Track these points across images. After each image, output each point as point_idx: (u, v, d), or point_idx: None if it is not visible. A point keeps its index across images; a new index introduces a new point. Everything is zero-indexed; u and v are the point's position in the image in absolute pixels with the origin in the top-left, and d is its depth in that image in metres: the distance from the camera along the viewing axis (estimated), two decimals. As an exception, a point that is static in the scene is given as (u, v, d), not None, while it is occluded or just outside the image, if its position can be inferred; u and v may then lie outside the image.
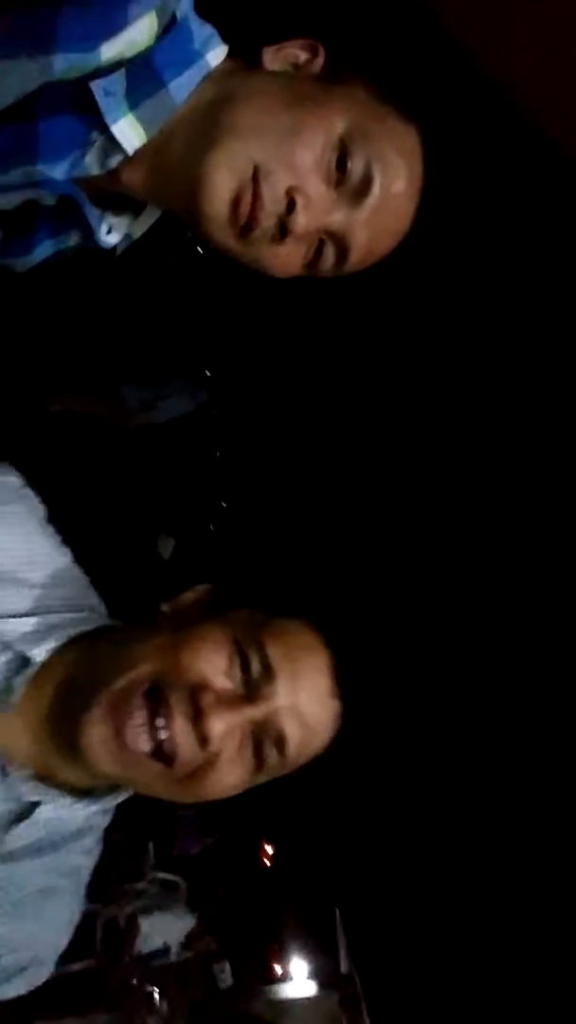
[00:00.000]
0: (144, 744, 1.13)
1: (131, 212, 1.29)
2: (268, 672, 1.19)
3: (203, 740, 1.14)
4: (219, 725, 1.14)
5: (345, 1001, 4.17)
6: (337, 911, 3.99)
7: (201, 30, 1.19)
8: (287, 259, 1.22)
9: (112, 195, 1.26)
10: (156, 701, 1.14)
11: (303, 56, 1.23)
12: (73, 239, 1.30)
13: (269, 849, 4.38)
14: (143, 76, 1.15)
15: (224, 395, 4.74)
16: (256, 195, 1.15)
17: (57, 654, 1.23)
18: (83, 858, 1.31)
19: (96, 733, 1.14)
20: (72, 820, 1.25)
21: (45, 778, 1.22)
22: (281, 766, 1.21)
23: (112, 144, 1.16)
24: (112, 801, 1.27)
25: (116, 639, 1.25)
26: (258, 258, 1.21)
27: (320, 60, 1.23)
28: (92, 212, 1.24)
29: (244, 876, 4.13)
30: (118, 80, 1.14)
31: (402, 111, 1.24)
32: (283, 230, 1.17)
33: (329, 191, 1.18)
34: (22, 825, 1.20)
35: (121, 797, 1.27)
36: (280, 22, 1.28)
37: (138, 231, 1.32)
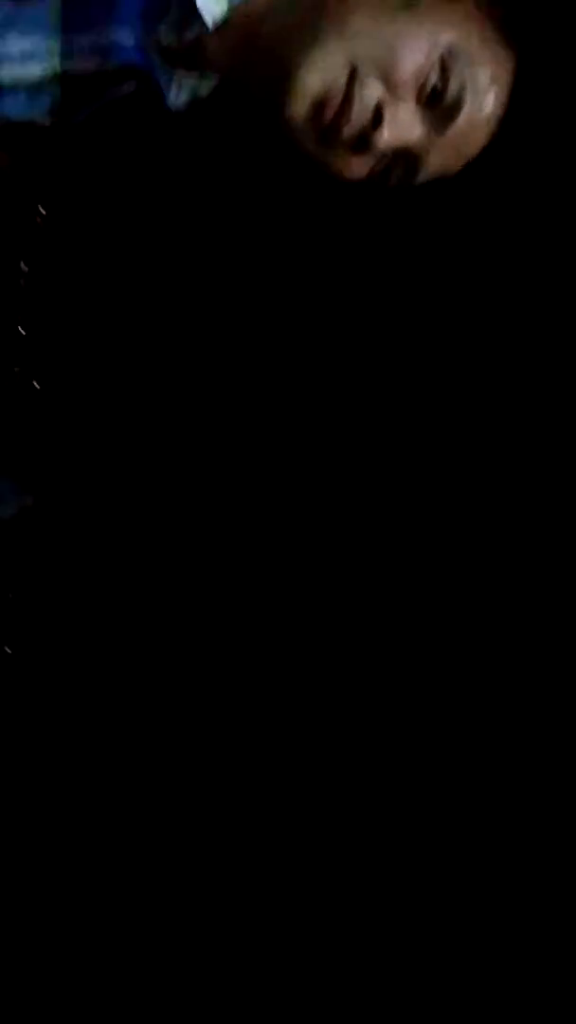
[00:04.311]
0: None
1: (200, 69, 1.26)
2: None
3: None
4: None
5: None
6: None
7: None
8: (358, 169, 1.20)
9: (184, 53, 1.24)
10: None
11: None
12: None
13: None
14: None
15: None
16: (346, 101, 1.13)
17: None
18: None
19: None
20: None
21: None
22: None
23: (191, 14, 1.16)
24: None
25: None
26: (330, 162, 1.20)
27: None
28: (164, 77, 1.23)
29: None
30: None
31: (507, 35, 1.21)
32: (363, 142, 1.16)
33: (416, 109, 1.17)
34: None
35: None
36: None
37: (205, 89, 1.29)
